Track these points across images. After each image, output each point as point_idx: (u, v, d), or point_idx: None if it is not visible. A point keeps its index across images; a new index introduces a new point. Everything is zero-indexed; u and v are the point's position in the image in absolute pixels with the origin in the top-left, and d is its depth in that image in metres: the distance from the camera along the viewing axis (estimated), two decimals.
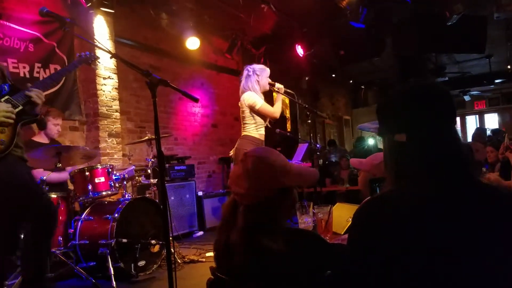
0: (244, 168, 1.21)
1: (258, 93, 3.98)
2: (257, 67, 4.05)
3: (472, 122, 14.40)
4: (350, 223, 1.93)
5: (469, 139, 10.18)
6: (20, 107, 2.55)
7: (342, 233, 1.90)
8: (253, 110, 3.91)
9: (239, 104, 4.04)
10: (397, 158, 1.08)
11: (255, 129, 3.96)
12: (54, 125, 4.03)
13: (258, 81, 3.99)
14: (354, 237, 1.04)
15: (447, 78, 10.82)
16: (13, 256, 2.88)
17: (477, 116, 14.39)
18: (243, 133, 3.97)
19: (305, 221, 1.82)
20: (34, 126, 4.10)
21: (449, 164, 1.01)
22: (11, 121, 2.45)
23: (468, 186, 1.00)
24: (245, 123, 3.96)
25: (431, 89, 1.07)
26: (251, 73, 3.98)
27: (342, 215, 1.95)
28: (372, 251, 0.96)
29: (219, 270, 1.22)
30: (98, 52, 4.74)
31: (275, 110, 4.01)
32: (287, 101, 8.93)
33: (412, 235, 0.93)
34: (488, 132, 9.83)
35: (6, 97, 2.51)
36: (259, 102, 3.91)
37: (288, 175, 1.21)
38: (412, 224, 0.94)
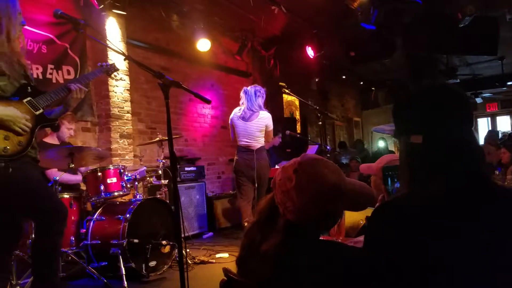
0: (297, 182, 1.15)
1: None
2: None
3: (484, 125, 14.25)
4: (362, 225, 1.93)
5: (481, 141, 10.07)
6: (41, 110, 2.54)
7: (354, 235, 1.89)
8: (266, 129, 4.42)
9: (258, 120, 4.39)
10: (412, 160, 1.07)
11: None
12: (68, 129, 4.07)
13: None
14: (368, 243, 1.03)
15: (458, 80, 10.72)
16: (16, 247, 2.88)
17: (489, 118, 14.23)
18: (261, 145, 4.45)
19: None
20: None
21: (464, 166, 1.00)
22: (24, 133, 2.40)
23: (482, 189, 0.99)
24: (261, 137, 4.44)
25: (448, 91, 1.07)
26: (263, 94, 4.51)
27: (354, 217, 1.95)
28: (386, 256, 0.96)
29: (239, 272, 1.20)
30: (111, 54, 4.80)
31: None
32: (297, 102, 8.92)
33: (424, 240, 0.92)
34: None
35: (28, 98, 2.51)
36: (272, 126, 4.49)
37: (338, 198, 1.16)
38: (424, 228, 0.93)
